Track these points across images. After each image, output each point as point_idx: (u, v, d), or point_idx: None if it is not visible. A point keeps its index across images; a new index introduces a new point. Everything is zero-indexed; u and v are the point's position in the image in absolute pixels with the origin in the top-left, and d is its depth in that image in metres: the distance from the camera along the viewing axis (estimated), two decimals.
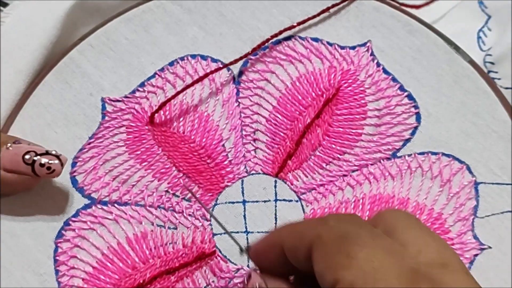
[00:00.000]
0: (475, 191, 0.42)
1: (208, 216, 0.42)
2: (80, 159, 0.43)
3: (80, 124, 0.44)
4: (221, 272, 0.41)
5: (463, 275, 0.28)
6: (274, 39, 0.45)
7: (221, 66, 0.44)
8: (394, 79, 0.44)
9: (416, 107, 0.44)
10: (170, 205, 0.42)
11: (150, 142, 0.44)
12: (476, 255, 0.41)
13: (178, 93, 0.44)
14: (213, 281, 0.41)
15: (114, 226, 0.42)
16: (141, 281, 0.41)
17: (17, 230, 0.42)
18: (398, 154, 0.43)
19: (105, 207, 0.42)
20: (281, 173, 0.43)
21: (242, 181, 0.43)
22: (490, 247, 0.41)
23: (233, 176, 0.43)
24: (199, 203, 0.42)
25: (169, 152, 0.43)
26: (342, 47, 0.45)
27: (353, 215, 0.32)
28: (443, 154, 0.43)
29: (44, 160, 0.39)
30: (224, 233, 0.42)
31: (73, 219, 0.42)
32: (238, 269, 0.41)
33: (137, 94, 0.44)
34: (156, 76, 0.45)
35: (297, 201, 0.43)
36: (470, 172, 0.42)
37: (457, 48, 0.45)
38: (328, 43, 0.45)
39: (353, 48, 0.45)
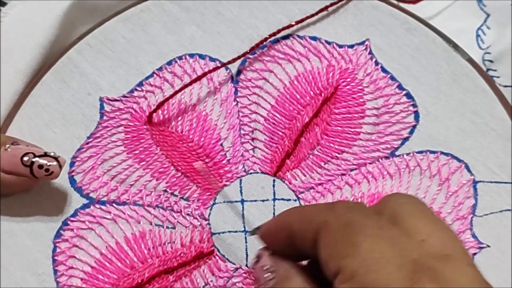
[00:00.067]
0: (473, 190, 0.42)
1: (206, 216, 0.42)
2: (78, 159, 0.43)
3: (78, 124, 0.44)
4: (219, 271, 0.41)
5: (466, 267, 0.27)
6: (272, 38, 0.45)
7: (219, 65, 0.44)
8: (392, 78, 0.44)
9: (414, 105, 0.44)
10: (169, 205, 0.42)
11: (148, 141, 0.44)
12: (474, 254, 0.41)
13: (176, 92, 0.43)
14: (211, 281, 0.41)
15: (113, 225, 0.42)
16: (140, 281, 0.41)
17: (15, 230, 0.42)
18: (397, 153, 0.43)
19: (103, 207, 0.42)
20: (279, 172, 0.43)
21: (241, 180, 0.43)
22: (488, 246, 0.41)
23: (231, 176, 0.43)
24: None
25: (168, 152, 0.43)
26: (341, 46, 0.45)
27: (361, 204, 0.32)
28: (442, 152, 0.43)
29: (42, 162, 0.39)
30: (223, 233, 0.42)
31: (72, 219, 0.42)
32: (236, 269, 0.41)
33: (135, 93, 0.44)
34: (154, 75, 0.45)
35: (295, 200, 0.43)
36: (469, 170, 0.42)
37: (455, 47, 0.45)
38: (326, 41, 0.45)
39: (351, 46, 0.45)
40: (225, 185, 0.43)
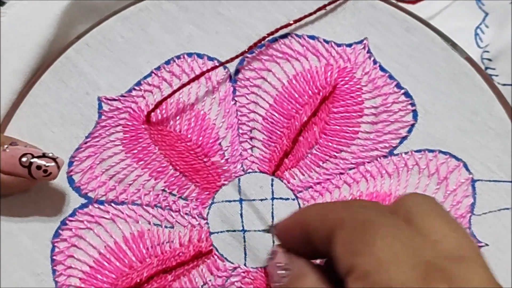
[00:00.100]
0: (472, 189, 0.42)
1: (205, 215, 0.42)
2: (76, 159, 0.43)
3: (77, 123, 0.44)
4: (218, 271, 0.41)
5: (480, 269, 0.27)
6: (271, 37, 0.45)
7: (217, 64, 0.44)
8: (391, 77, 0.44)
9: (413, 104, 0.44)
10: (167, 204, 0.42)
11: (146, 141, 0.44)
12: None
13: (174, 91, 0.43)
14: (210, 280, 0.41)
15: (111, 225, 0.42)
16: (138, 280, 0.41)
17: (14, 230, 0.42)
18: (395, 152, 0.43)
19: (102, 207, 0.42)
20: (277, 172, 0.43)
21: (239, 179, 0.43)
22: (487, 245, 0.41)
23: (229, 175, 0.43)
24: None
25: (166, 151, 0.43)
26: (339, 45, 0.45)
27: (377, 203, 0.32)
28: (440, 151, 0.43)
29: (40, 162, 0.39)
30: (221, 232, 0.42)
31: (70, 218, 0.42)
32: (235, 268, 0.41)
33: (134, 93, 0.44)
34: (153, 74, 0.45)
35: (294, 199, 0.43)
36: (467, 169, 0.42)
37: (454, 45, 0.45)
38: (324, 40, 0.45)
39: (349, 45, 0.45)
40: (224, 184, 0.43)
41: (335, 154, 0.43)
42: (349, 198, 0.42)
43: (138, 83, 0.45)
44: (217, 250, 0.42)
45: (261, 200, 0.43)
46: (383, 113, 0.43)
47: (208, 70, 0.44)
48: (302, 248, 0.33)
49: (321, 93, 0.44)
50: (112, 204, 0.42)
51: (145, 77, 0.45)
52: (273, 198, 0.43)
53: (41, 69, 0.45)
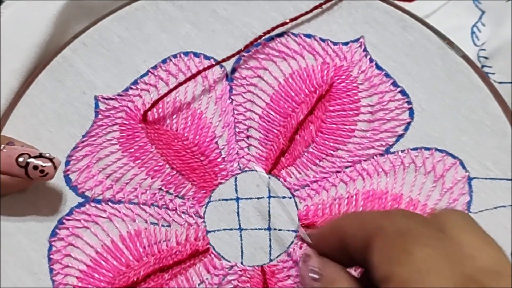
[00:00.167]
0: (468, 186, 0.42)
1: (202, 213, 0.42)
2: (73, 158, 0.43)
3: (74, 123, 0.44)
4: (215, 269, 0.41)
5: None
6: (267, 35, 0.45)
7: (213, 63, 0.44)
8: (387, 75, 0.44)
9: (409, 102, 0.44)
10: (164, 203, 0.43)
11: (143, 140, 0.44)
12: None
13: (171, 90, 0.44)
14: (207, 279, 0.41)
15: (108, 224, 0.42)
16: (135, 279, 0.41)
17: (11, 229, 0.42)
18: (391, 150, 0.43)
19: (98, 205, 0.42)
20: (274, 170, 0.43)
21: (236, 178, 0.43)
22: None
23: (226, 173, 0.43)
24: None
25: (163, 150, 0.43)
26: (335, 43, 0.45)
27: (418, 213, 0.32)
28: (436, 149, 0.43)
29: (37, 163, 0.39)
30: (218, 230, 0.42)
31: (67, 217, 0.42)
32: (231, 266, 0.41)
33: (130, 92, 0.44)
34: (149, 73, 0.45)
35: (290, 197, 0.43)
36: (464, 167, 0.42)
37: (450, 43, 0.45)
38: (321, 39, 0.45)
39: (346, 44, 0.45)
40: (220, 183, 0.43)
41: (332, 152, 0.43)
42: (345, 197, 0.42)
43: (135, 82, 0.45)
44: (214, 249, 0.42)
45: (258, 198, 0.43)
46: (380, 111, 0.44)
47: (204, 69, 0.44)
48: (337, 255, 0.33)
49: (317, 92, 0.44)
50: (109, 203, 0.42)
51: (142, 76, 0.45)
52: (269, 197, 0.43)
53: (37, 68, 0.45)
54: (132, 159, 0.43)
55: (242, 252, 0.42)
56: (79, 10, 0.48)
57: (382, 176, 0.43)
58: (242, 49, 0.45)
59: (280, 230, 0.42)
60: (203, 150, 0.43)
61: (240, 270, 0.41)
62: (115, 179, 0.43)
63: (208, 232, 0.42)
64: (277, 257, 0.42)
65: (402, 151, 0.43)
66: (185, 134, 0.44)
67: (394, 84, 0.44)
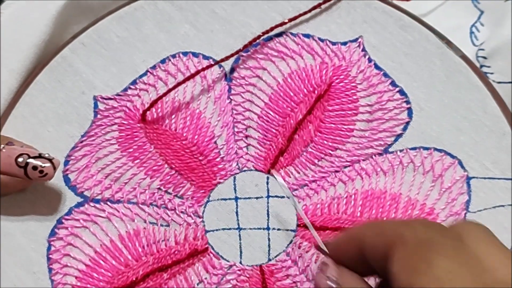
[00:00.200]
0: (467, 186, 0.42)
1: (200, 213, 0.43)
2: (72, 158, 0.43)
3: (73, 123, 0.44)
4: (213, 269, 0.41)
5: None
6: (266, 35, 0.45)
7: (212, 63, 0.44)
8: (385, 75, 0.44)
9: (407, 102, 0.44)
10: (163, 203, 0.43)
11: (142, 139, 0.44)
12: None
13: (169, 90, 0.44)
14: (205, 278, 0.41)
15: (107, 224, 0.42)
16: (134, 279, 0.41)
17: (10, 229, 0.42)
18: (390, 150, 0.43)
19: (97, 205, 0.43)
20: (273, 170, 0.43)
21: (234, 178, 0.43)
22: None
23: (225, 173, 0.43)
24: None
25: (161, 150, 0.43)
26: (334, 43, 0.45)
27: (439, 223, 0.32)
28: (435, 149, 0.43)
29: (36, 163, 0.39)
30: (217, 230, 0.42)
31: (66, 217, 0.42)
32: (230, 266, 0.41)
33: (129, 92, 0.45)
34: (148, 73, 0.45)
35: (289, 197, 0.43)
36: (462, 167, 0.42)
37: (449, 43, 0.45)
38: (319, 39, 0.45)
39: (344, 44, 0.45)
40: (219, 183, 0.43)
41: (330, 152, 0.43)
42: (344, 196, 0.42)
43: (134, 82, 0.45)
44: (213, 248, 0.42)
45: (257, 198, 0.43)
46: (378, 111, 0.44)
47: (203, 69, 0.44)
48: (354, 264, 0.33)
49: (316, 91, 0.44)
50: (108, 203, 0.43)
51: (141, 76, 0.45)
52: (268, 196, 0.43)
53: (37, 68, 0.45)
54: (131, 158, 0.43)
55: (241, 252, 0.42)
56: (78, 10, 0.48)
57: (381, 175, 0.43)
58: (241, 49, 0.45)
59: (279, 229, 0.42)
60: (202, 150, 0.43)
61: (239, 270, 0.41)
62: (114, 179, 0.43)
63: (207, 231, 0.42)
64: (275, 256, 0.42)
65: (400, 151, 0.43)
66: (184, 134, 0.44)
67: (393, 83, 0.44)
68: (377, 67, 0.44)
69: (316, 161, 0.43)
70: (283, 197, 0.43)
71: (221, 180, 0.43)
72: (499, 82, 0.47)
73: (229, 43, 0.45)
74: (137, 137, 0.44)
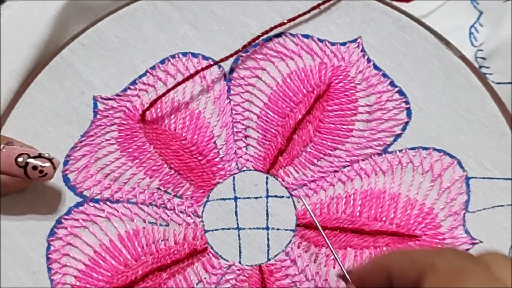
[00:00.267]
0: (466, 186, 0.42)
1: (200, 213, 0.43)
2: (72, 157, 0.43)
3: (72, 123, 0.44)
4: (213, 268, 0.42)
5: None
6: (265, 36, 0.45)
7: (212, 63, 0.45)
8: (384, 75, 0.44)
9: (407, 102, 0.44)
10: (162, 202, 0.43)
11: (141, 139, 0.44)
12: (467, 249, 0.41)
13: (169, 90, 0.44)
14: (205, 278, 0.41)
15: (106, 223, 0.42)
16: (133, 278, 0.41)
17: (9, 229, 0.42)
18: (389, 150, 0.43)
19: (97, 205, 0.43)
20: (272, 170, 0.43)
21: (234, 177, 0.43)
22: (481, 242, 0.41)
23: (224, 173, 0.43)
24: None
25: (161, 150, 0.43)
26: (333, 44, 0.45)
27: (467, 252, 0.32)
28: (434, 149, 0.43)
29: (36, 163, 0.39)
30: (216, 230, 0.42)
31: (65, 217, 0.42)
32: (229, 266, 0.42)
33: (129, 92, 0.45)
34: (147, 74, 0.45)
35: (288, 197, 0.43)
36: (461, 166, 0.42)
37: (448, 44, 0.45)
38: (318, 39, 0.45)
39: (343, 44, 0.45)
40: (218, 183, 0.43)
41: (330, 152, 0.43)
42: (343, 196, 0.42)
43: (133, 83, 0.45)
44: (212, 248, 0.42)
45: (256, 198, 0.43)
46: (377, 111, 0.44)
47: (202, 69, 0.44)
48: None
49: (315, 92, 0.44)
50: (107, 203, 0.43)
51: (140, 77, 0.45)
52: (267, 196, 0.43)
53: (36, 69, 0.45)
54: (130, 158, 0.43)
55: (240, 252, 0.42)
56: (78, 10, 0.48)
57: (380, 175, 0.43)
58: (240, 49, 0.45)
59: (278, 229, 0.42)
60: (201, 150, 0.43)
61: (238, 270, 0.41)
62: (113, 179, 0.43)
63: (206, 231, 0.42)
64: (275, 256, 0.42)
65: (400, 151, 0.43)
66: (183, 134, 0.44)
67: (392, 84, 0.44)
68: (376, 67, 0.44)
69: (315, 161, 0.43)
70: (282, 197, 0.43)
71: (221, 180, 0.43)
72: (498, 83, 0.47)
73: (229, 44, 0.45)
74: (137, 137, 0.44)
